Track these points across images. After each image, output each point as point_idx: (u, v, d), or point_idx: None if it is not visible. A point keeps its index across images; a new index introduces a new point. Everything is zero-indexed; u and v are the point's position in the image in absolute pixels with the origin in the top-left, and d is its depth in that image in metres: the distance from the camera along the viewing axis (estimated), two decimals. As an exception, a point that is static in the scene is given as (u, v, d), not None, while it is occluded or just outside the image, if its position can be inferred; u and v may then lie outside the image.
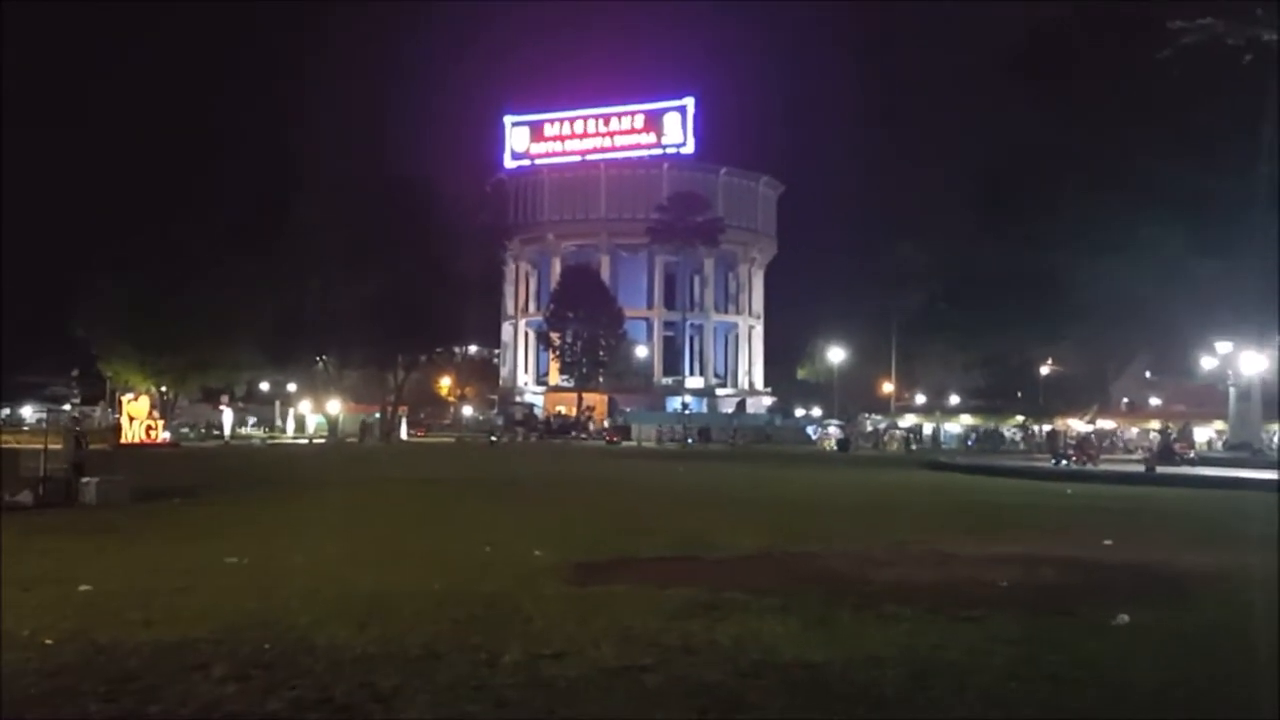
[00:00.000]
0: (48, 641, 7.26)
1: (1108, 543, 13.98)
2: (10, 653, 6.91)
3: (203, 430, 60.33)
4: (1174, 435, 43.29)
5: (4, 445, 31.13)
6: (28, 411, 65.57)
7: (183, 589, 9.35)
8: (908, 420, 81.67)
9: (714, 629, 7.64)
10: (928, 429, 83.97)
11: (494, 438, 60.91)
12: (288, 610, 8.30)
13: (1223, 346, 42.66)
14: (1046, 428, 76.47)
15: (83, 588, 9.37)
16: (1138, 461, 39.40)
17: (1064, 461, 36.76)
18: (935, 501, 22.18)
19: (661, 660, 6.72)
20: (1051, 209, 56.76)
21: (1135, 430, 73.70)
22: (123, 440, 45.01)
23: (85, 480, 18.49)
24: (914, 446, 67.31)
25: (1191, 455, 39.38)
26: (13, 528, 14.20)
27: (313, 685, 6.18)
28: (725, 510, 18.79)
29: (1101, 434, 62.37)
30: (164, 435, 48.34)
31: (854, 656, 6.87)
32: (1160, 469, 32.62)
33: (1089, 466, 35.45)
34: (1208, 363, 56.69)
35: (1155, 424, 75.23)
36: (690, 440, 68.92)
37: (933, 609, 8.58)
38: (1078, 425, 70.80)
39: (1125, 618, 8.20)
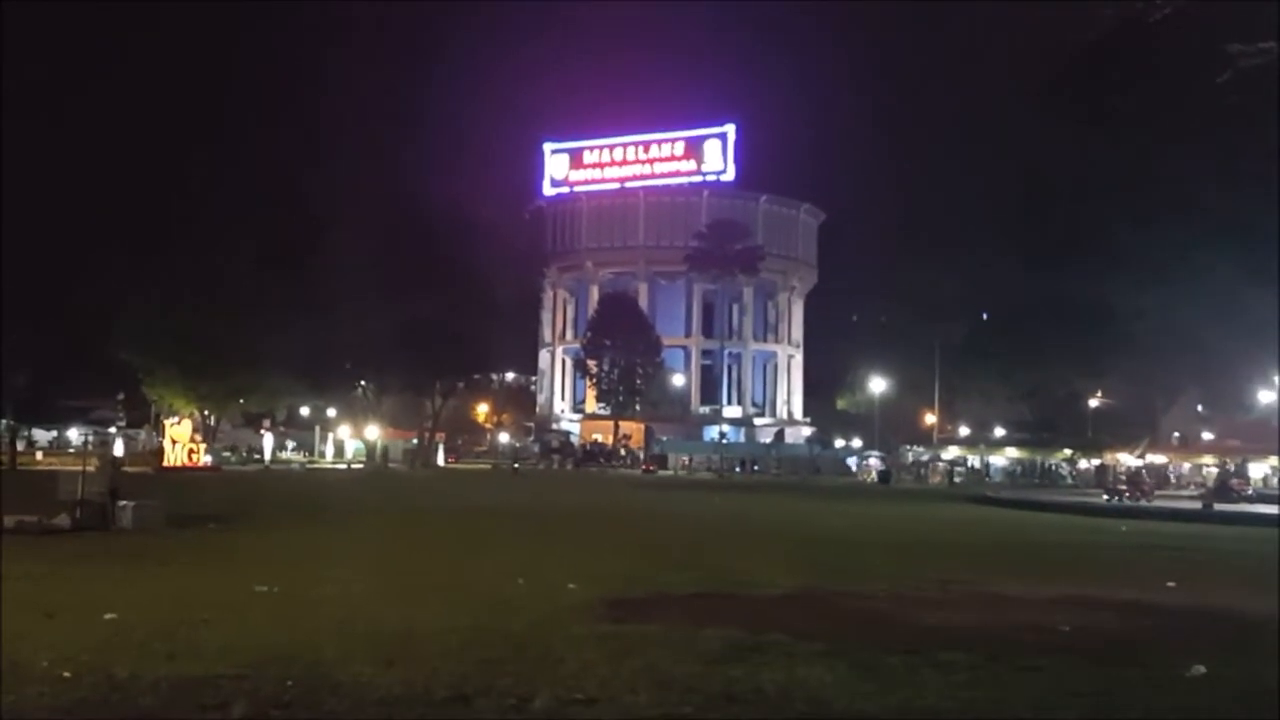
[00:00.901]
0: (65, 674, 6.99)
1: (1170, 585, 13.40)
2: (27, 686, 6.66)
3: (244, 454, 60.69)
4: (1231, 471, 42.08)
5: (45, 468, 31.32)
6: (74, 434, 66.27)
7: (209, 620, 9.08)
8: (950, 452, 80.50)
9: (757, 675, 7.22)
10: (972, 461, 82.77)
11: (516, 465, 60.68)
12: (313, 645, 8.00)
13: (1281, 380, 41.48)
14: (1095, 462, 75.17)
15: (108, 616, 9.14)
16: (1193, 498, 38.42)
17: (1117, 497, 35.86)
18: (982, 538, 21.58)
19: (701, 709, 6.32)
20: (1100, 237, 55.97)
21: (1188, 465, 72.08)
22: (165, 463, 45.33)
23: (121, 504, 18.37)
24: (957, 479, 66.25)
25: (1249, 492, 38.30)
26: (47, 552, 14.09)
27: (333, 730, 5.86)
28: (763, 545, 18.33)
29: (1153, 469, 60.97)
30: (206, 459, 48.60)
31: (909, 709, 6.44)
32: (1218, 506, 31.70)
33: (1143, 503, 34.58)
34: (1265, 396, 55.31)
35: (1208, 459, 73.57)
36: (737, 469, 68.49)
37: (990, 656, 8.11)
38: (1127, 459, 69.40)
39: (1201, 669, 7.68)
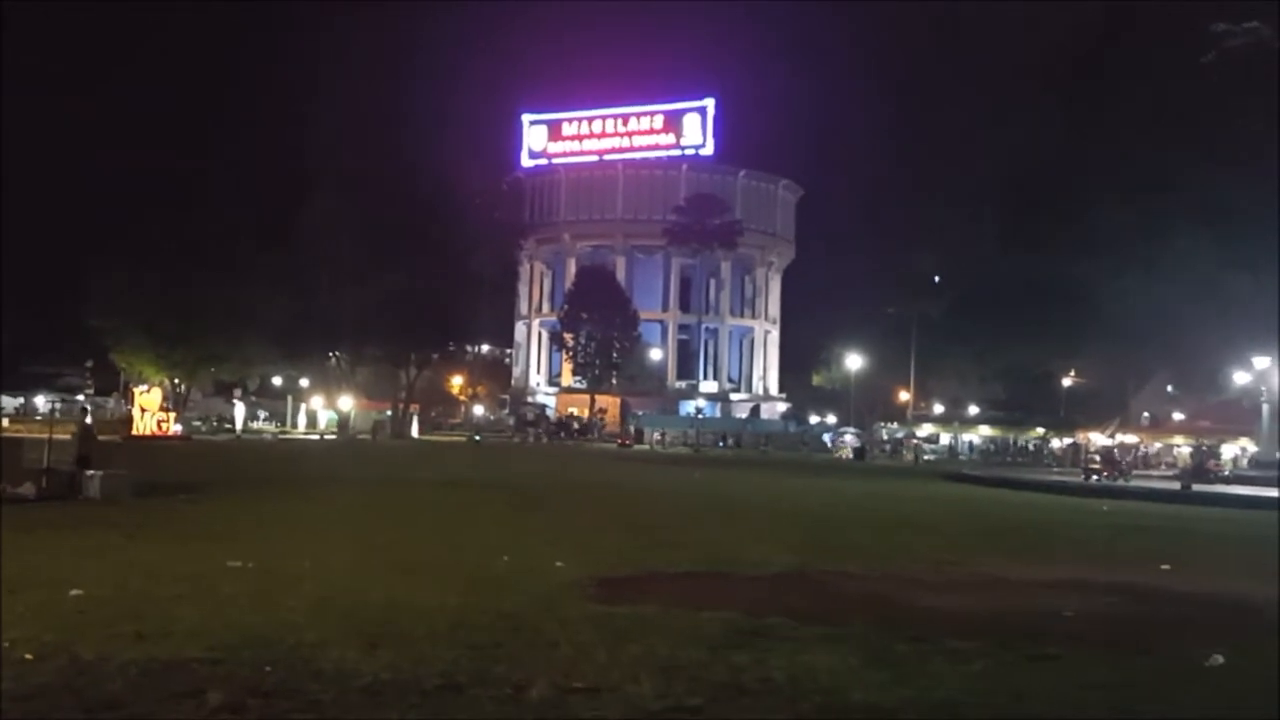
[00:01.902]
0: (27, 656, 6.53)
1: (1165, 568, 13.16)
2: (-16, 670, 6.19)
3: (214, 424, 59.89)
4: (1207, 452, 42.19)
5: (9, 435, 30.59)
6: (41, 401, 65.21)
7: (180, 596, 8.64)
8: (925, 430, 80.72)
9: (764, 662, 6.86)
10: (945, 439, 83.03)
11: (478, 437, 60.11)
12: (292, 626, 7.57)
13: (1260, 361, 41.58)
14: (1067, 441, 75.54)
15: (74, 592, 8.67)
16: (1168, 478, 38.46)
17: (1094, 476, 35.82)
18: (965, 517, 21.36)
19: (712, 701, 5.95)
20: (1077, 217, 55.95)
21: (1158, 445, 72.53)
22: (134, 432, 44.53)
23: (89, 474, 17.85)
24: (928, 457, 66.34)
25: (1225, 473, 38.37)
26: (10, 522, 13.53)
27: (317, 720, 5.45)
28: (749, 521, 18.04)
29: (1125, 448, 61.25)
30: (175, 428, 47.78)
31: (928, 702, 6.10)
32: (1195, 487, 31.70)
33: (1120, 482, 34.56)
34: (1240, 378, 55.52)
35: (1179, 439, 74.04)
36: (720, 444, 68.27)
37: (1000, 643, 7.79)
38: (1099, 439, 69.76)
39: (1219, 658, 7.38)
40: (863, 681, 6.51)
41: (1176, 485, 33.37)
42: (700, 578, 11.03)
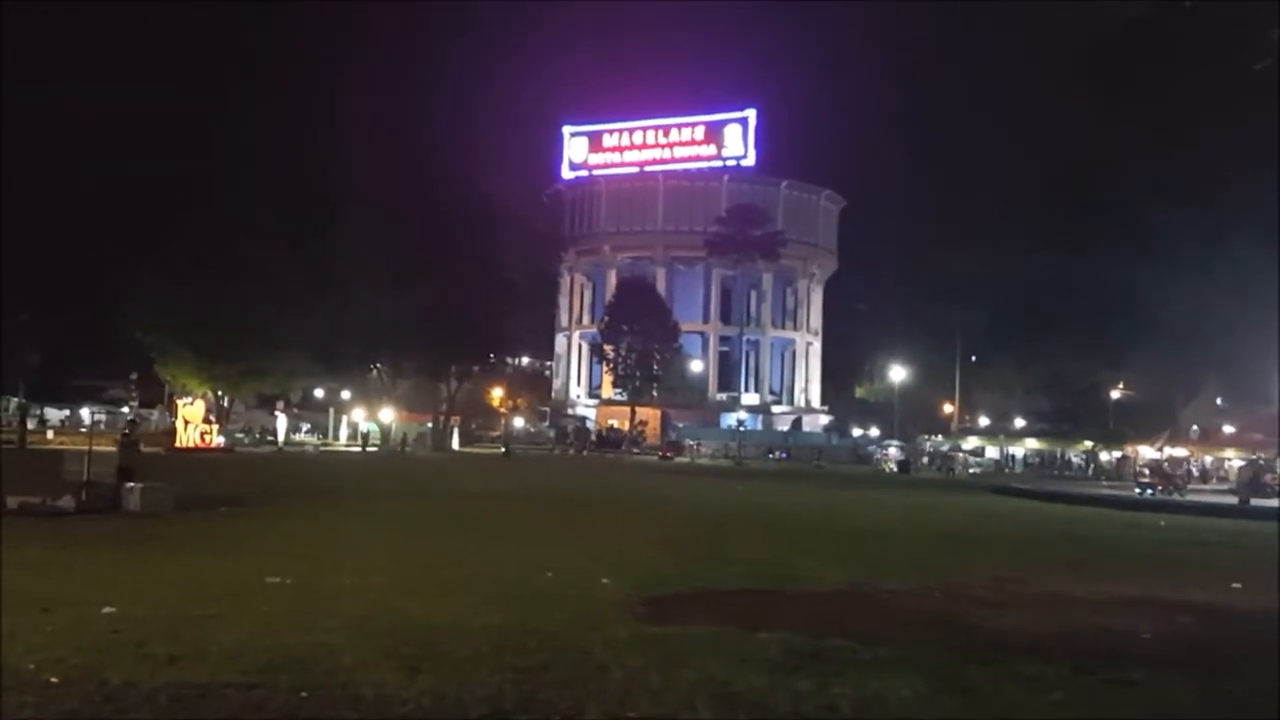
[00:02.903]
0: (53, 680, 6.25)
1: (1236, 586, 12.57)
2: (9, 694, 5.91)
3: (257, 435, 60.17)
4: (1264, 466, 41.04)
5: (55, 447, 30.74)
6: (86, 414, 65.91)
7: (217, 615, 8.35)
8: (970, 443, 79.60)
9: (827, 688, 6.44)
10: (990, 452, 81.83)
11: (506, 449, 59.79)
12: (330, 647, 7.24)
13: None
14: (1116, 454, 74.13)
15: (106, 610, 8.40)
16: (1223, 492, 37.45)
17: (1149, 491, 34.92)
18: (1019, 531, 20.79)
19: (775, 733, 5.55)
20: (1127, 224, 54.76)
21: (1209, 459, 70.97)
22: (177, 444, 44.82)
23: (130, 486, 17.69)
24: (973, 470, 65.35)
25: (1283, 487, 37.26)
26: (48, 536, 13.42)
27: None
28: (797, 536, 17.58)
29: (1175, 462, 59.94)
30: (218, 440, 48.05)
31: (1009, 735, 5.66)
32: (1254, 502, 30.77)
33: (1175, 496, 33.65)
34: (1299, 390, 54.09)
35: (1231, 453, 72.45)
36: (777, 455, 67.62)
37: (1075, 668, 7.33)
38: (1147, 452, 68.36)
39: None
40: (934, 709, 6.08)
41: (1233, 499, 32.44)
42: (751, 595, 10.61)
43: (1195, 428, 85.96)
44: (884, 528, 20.08)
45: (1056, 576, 13.06)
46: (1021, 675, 7.07)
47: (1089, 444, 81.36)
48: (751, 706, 5.99)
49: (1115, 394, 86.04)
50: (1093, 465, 77.71)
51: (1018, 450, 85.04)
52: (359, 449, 58.28)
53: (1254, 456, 42.57)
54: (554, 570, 11.54)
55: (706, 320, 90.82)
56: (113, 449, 20.77)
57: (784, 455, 68.97)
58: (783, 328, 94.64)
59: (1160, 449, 68.76)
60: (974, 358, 78.44)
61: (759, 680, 6.60)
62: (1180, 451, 70.48)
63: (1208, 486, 47.32)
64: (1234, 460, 70.89)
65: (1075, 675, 7.10)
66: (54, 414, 67.45)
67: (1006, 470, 74.90)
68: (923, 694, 6.43)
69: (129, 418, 44.25)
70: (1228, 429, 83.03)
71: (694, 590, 10.67)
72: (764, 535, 17.37)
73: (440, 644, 7.42)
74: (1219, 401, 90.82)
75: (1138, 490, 35.71)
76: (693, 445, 67.70)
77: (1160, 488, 35.37)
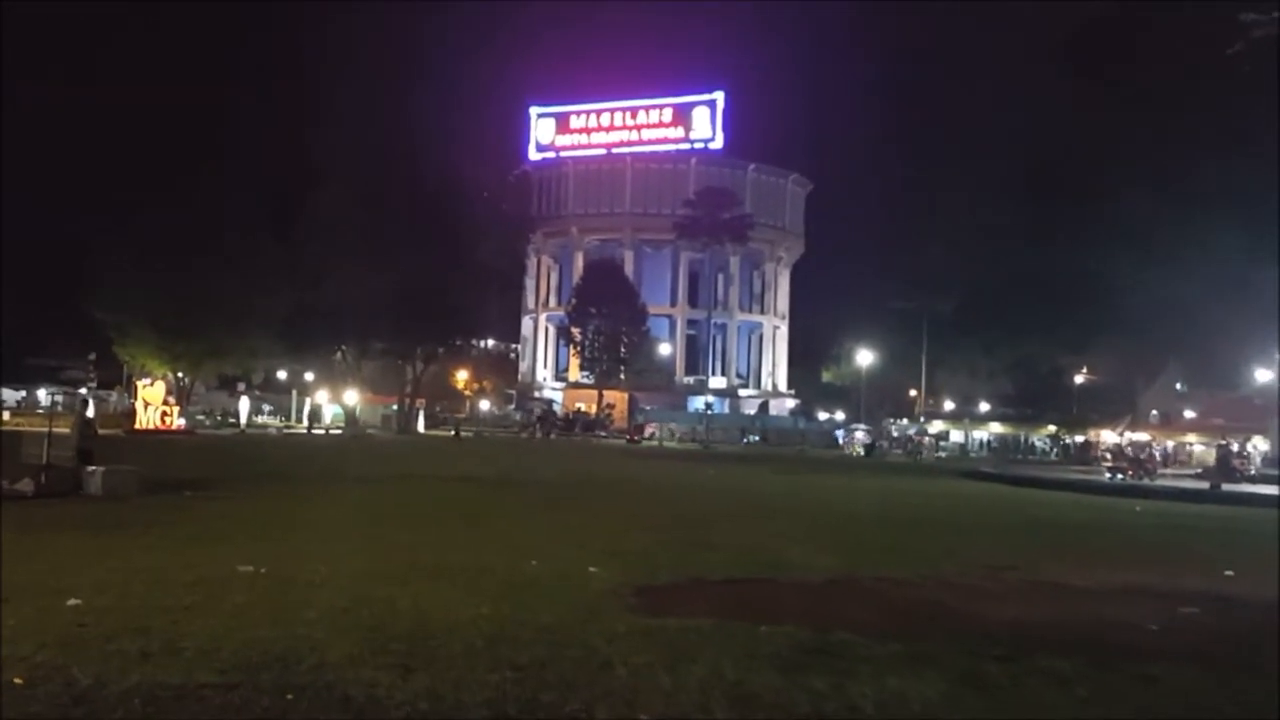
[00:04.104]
0: (16, 680, 5.78)
1: (1229, 573, 12.40)
2: (-33, 695, 5.45)
3: (218, 418, 59.17)
4: (1234, 450, 41.35)
5: (11, 429, 29.87)
6: (42, 395, 64.46)
7: (189, 607, 7.88)
8: (935, 427, 80.00)
9: (845, 688, 6.10)
10: (955, 436, 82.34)
11: (456, 432, 59.13)
12: (313, 642, 6.81)
13: (1283, 358, 40.72)
14: (1079, 438, 74.78)
15: (71, 602, 7.91)
16: (1194, 477, 37.69)
17: (1119, 475, 35.03)
18: (998, 516, 20.64)
19: (801, 738, 5.20)
20: (1093, 209, 54.96)
21: (1171, 443, 71.77)
22: (137, 426, 43.87)
23: (91, 469, 17.10)
24: (941, 454, 65.66)
25: (1252, 471, 37.55)
26: (6, 522, 12.80)
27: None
28: (778, 520, 17.29)
29: (1138, 446, 60.52)
30: (179, 422, 47.11)
31: (1047, 738, 5.34)
32: (1225, 486, 30.94)
33: (1145, 481, 33.78)
34: (1262, 375, 54.66)
35: (1193, 437, 73.35)
36: (750, 439, 67.45)
37: (1094, 663, 7.04)
38: (1110, 437, 69.03)
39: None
40: (962, 710, 5.76)
41: (1203, 484, 32.60)
42: (745, 584, 10.27)
43: (1155, 412, 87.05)
44: (862, 512, 19.88)
45: (1047, 564, 12.84)
46: (1041, 670, 6.78)
47: (1053, 428, 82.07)
48: (770, 707, 5.64)
49: (1079, 378, 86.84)
50: (1056, 449, 78.39)
51: (982, 434, 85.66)
52: (323, 431, 57.43)
53: (1221, 441, 42.83)
54: (538, 558, 11.15)
55: (674, 303, 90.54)
56: (69, 431, 19.99)
57: (756, 439, 68.86)
58: (750, 311, 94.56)
59: (1121, 433, 69.45)
60: (940, 341, 78.65)
61: (772, 678, 6.24)
62: (1142, 436, 71.28)
63: (1173, 471, 47.67)
64: (1196, 445, 71.88)
65: (1096, 671, 6.82)
66: (9, 395, 66.00)
67: (971, 454, 75.37)
68: (944, 692, 6.11)
69: (83, 397, 43.19)
70: (1188, 414, 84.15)
71: (685, 579, 10.32)
72: (745, 520, 17.06)
73: (430, 638, 7.02)
74: (1179, 386, 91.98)
75: (1108, 475, 35.81)
76: (657, 429, 67.34)
77: (1130, 472, 35.50)
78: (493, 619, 7.72)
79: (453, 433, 58.63)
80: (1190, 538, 17.46)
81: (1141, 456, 39.85)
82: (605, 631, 7.42)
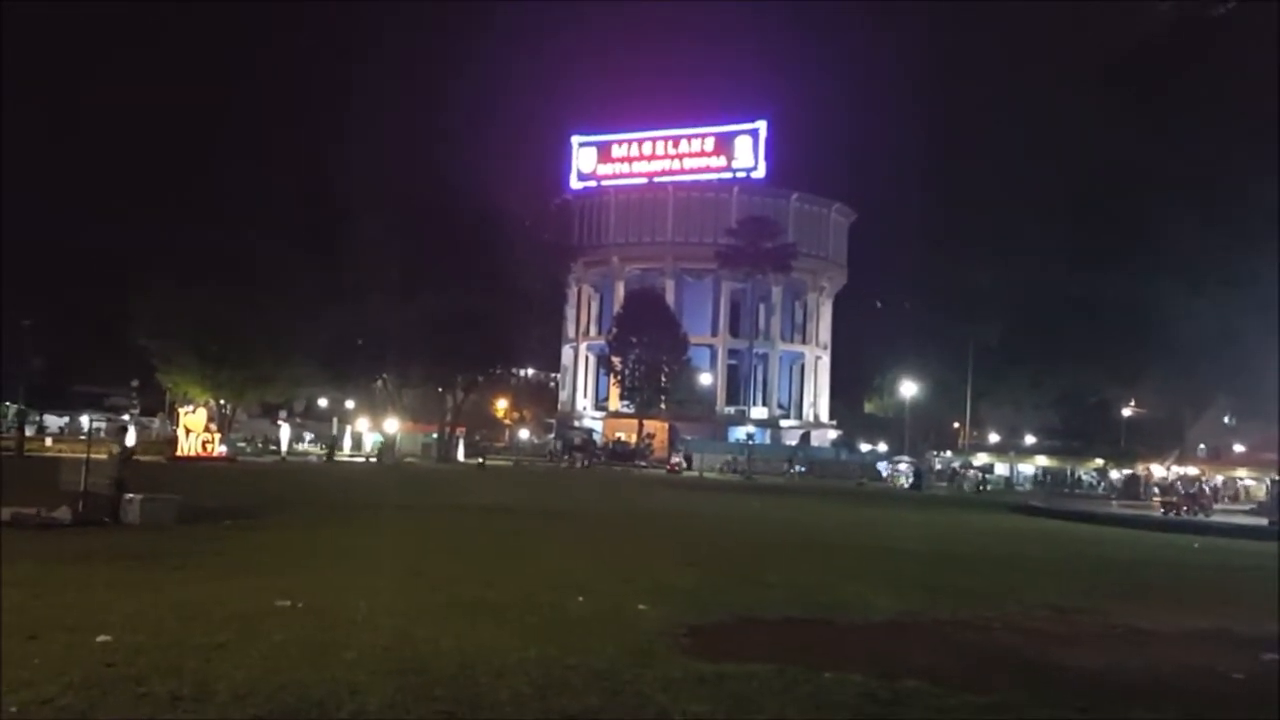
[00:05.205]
0: (39, 726, 5.45)
1: (1309, 617, 11.73)
2: (-13, 742, 5.12)
3: (259, 445, 59.33)
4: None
5: (53, 455, 29.91)
6: (85, 421, 64.99)
7: (223, 645, 7.54)
8: (980, 459, 78.71)
9: (924, 745, 5.63)
10: (1000, 469, 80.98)
11: (482, 460, 58.66)
12: (353, 685, 6.44)
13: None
14: (1127, 472, 73.23)
15: (101, 638, 7.60)
16: (1248, 513, 36.61)
17: (1173, 511, 34.07)
18: (1055, 553, 19.96)
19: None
20: (1141, 237, 54.02)
21: (1220, 478, 70.08)
22: (179, 453, 43.98)
23: (129, 497, 16.89)
24: (985, 487, 64.47)
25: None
26: (41, 550, 12.62)
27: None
28: (830, 556, 16.75)
29: (1187, 480, 59.09)
30: (220, 449, 47.15)
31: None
32: (1285, 522, 29.93)
33: (1200, 517, 32.80)
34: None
35: (1243, 472, 71.65)
36: (795, 470, 66.58)
37: (1186, 717, 6.51)
38: (1159, 471, 67.57)
39: None
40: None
41: (1259, 520, 31.61)
42: (801, 625, 9.79)
43: (1203, 446, 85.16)
44: (914, 548, 19.26)
45: (1114, 605, 12.24)
46: (1131, 727, 6.27)
47: (1100, 461, 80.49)
48: (845, 768, 5.18)
49: (1126, 411, 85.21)
50: (1103, 483, 76.83)
51: (1027, 467, 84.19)
52: (363, 459, 57.37)
53: (1276, 476, 41.60)
54: (584, 594, 10.73)
55: (715, 333, 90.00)
56: (107, 457, 19.68)
57: (802, 470, 67.94)
58: (792, 341, 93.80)
59: (1168, 467, 67.97)
60: (985, 372, 77.53)
61: (844, 733, 5.79)
62: (1191, 470, 69.70)
63: (1223, 506, 46.41)
64: (1246, 479, 70.16)
65: (1191, 727, 6.30)
66: (53, 421, 66.64)
67: (1017, 487, 74.04)
68: (1032, 752, 5.62)
69: (120, 424, 43.35)
70: (1238, 448, 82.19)
71: (738, 618, 9.85)
72: (795, 555, 16.54)
73: (475, 683, 6.62)
74: (1226, 419, 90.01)
75: (1162, 511, 34.85)
76: (682, 459, 66.38)
77: (1185, 508, 34.52)
78: (540, 662, 7.31)
79: (479, 461, 58.15)
80: (1257, 578, 16.72)
81: (1193, 491, 38.75)
82: (660, 678, 6.99)
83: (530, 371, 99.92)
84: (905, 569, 15.16)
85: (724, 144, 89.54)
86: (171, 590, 10.08)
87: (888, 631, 9.65)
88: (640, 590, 11.07)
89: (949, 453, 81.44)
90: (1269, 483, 43.54)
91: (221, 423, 53.61)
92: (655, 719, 5.98)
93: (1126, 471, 74.42)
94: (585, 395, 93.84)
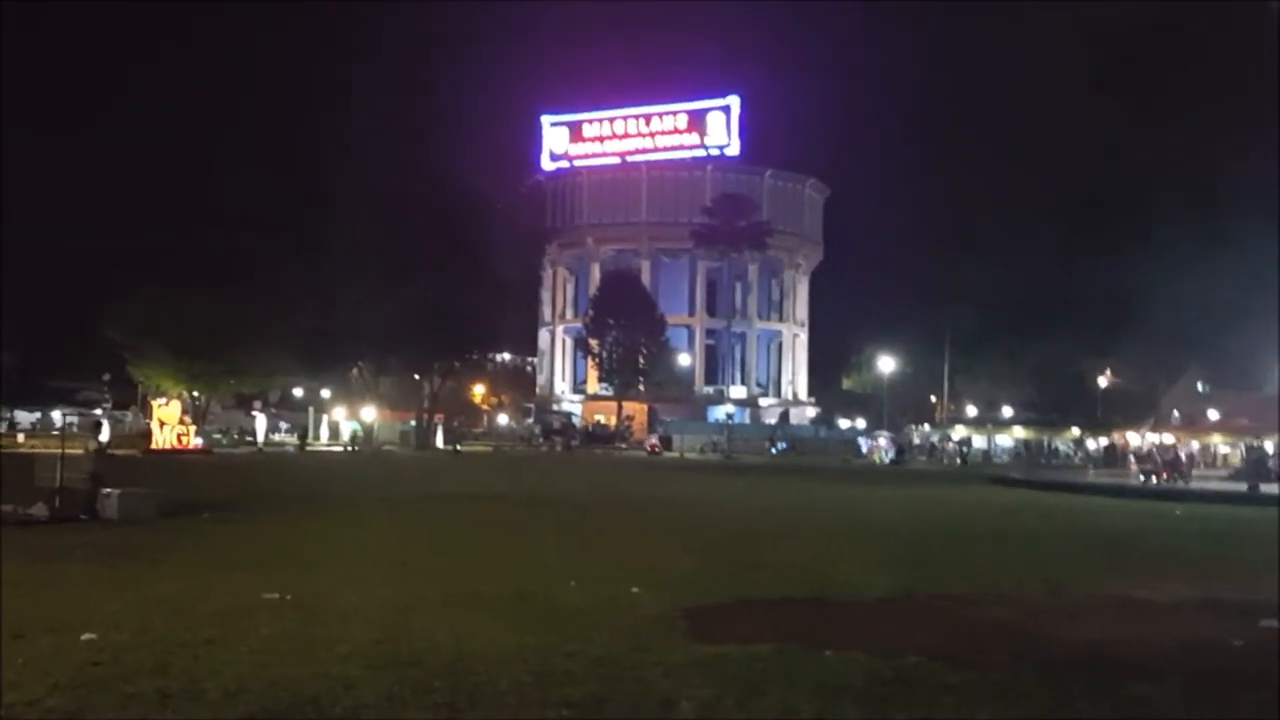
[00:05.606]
0: (24, 730, 5.29)
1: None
2: (-28, 749, 4.95)
3: (235, 436, 58.83)
4: (1268, 451, 40.51)
5: (26, 451, 29.48)
6: (57, 416, 64.29)
7: (211, 640, 7.37)
8: (959, 432, 79.05)
9: (933, 723, 5.54)
10: (978, 441, 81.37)
11: (457, 447, 58.32)
12: (347, 680, 6.30)
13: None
14: (1104, 442, 73.75)
15: (86, 636, 7.42)
16: (1227, 479, 36.88)
17: (1152, 479, 34.29)
18: (1041, 525, 19.98)
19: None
20: (1114, 212, 54.44)
21: (1196, 444, 70.64)
22: (153, 446, 43.54)
23: (106, 492, 16.62)
24: (965, 460, 64.78)
25: (1285, 472, 36.72)
26: (20, 548, 12.35)
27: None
28: (820, 535, 16.68)
29: (1164, 448, 59.54)
30: (196, 441, 46.73)
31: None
32: (1263, 488, 30.16)
33: (1179, 484, 33.02)
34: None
35: (1218, 438, 72.23)
36: (779, 447, 66.54)
37: (1190, 689, 6.48)
38: (1135, 439, 68.05)
39: None
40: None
41: (1238, 486, 31.86)
42: (798, 606, 9.71)
43: (1177, 413, 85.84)
44: (901, 524, 19.28)
45: (1106, 577, 12.25)
46: (1137, 699, 6.23)
47: (1076, 432, 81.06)
48: (857, 751, 5.09)
49: (1102, 381, 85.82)
50: (1079, 453, 77.37)
51: (1005, 440, 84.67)
52: (341, 449, 56.96)
53: (1255, 442, 41.98)
54: (576, 580, 10.61)
55: (692, 313, 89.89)
56: (84, 453, 19.33)
57: (785, 445, 67.84)
58: (769, 320, 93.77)
59: (1144, 436, 68.46)
60: (962, 346, 77.90)
61: (851, 714, 5.70)
62: (1167, 438, 70.24)
63: (1200, 472, 46.78)
64: (1221, 446, 70.79)
65: (1196, 701, 6.26)
66: (24, 417, 65.84)
67: (995, 459, 74.47)
68: (1042, 728, 5.55)
69: (95, 419, 42.83)
70: (1212, 414, 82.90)
71: (734, 600, 9.77)
72: (785, 535, 16.48)
73: (473, 674, 6.49)
74: (1200, 387, 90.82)
75: (1141, 479, 35.07)
76: (658, 440, 66.22)
77: (1164, 475, 34.75)
78: (538, 650, 7.19)
79: (453, 448, 57.70)
80: (1243, 543, 16.80)
81: (1170, 459, 39.01)
82: (661, 662, 6.88)
83: (507, 356, 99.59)
84: (892, 545, 15.14)
85: (697, 121, 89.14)
86: (154, 586, 9.90)
87: (884, 609, 9.60)
88: (632, 574, 10.97)
89: (927, 426, 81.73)
90: (1244, 448, 43.91)
91: (196, 415, 53.11)
92: (661, 704, 5.86)
93: (1104, 441, 75.01)
94: (563, 379, 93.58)
